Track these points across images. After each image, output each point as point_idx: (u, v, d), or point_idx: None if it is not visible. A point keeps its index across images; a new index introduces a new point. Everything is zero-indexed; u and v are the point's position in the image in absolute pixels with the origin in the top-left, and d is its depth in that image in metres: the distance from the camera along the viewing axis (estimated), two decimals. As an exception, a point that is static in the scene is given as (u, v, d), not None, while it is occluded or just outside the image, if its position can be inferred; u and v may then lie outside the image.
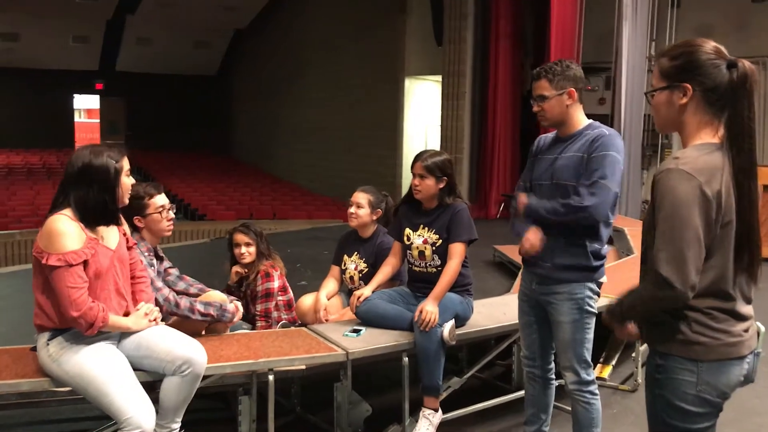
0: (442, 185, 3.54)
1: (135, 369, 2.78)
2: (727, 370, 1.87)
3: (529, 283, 3.03)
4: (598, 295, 2.96)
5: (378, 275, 3.72)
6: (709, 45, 1.89)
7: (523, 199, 2.90)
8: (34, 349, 2.87)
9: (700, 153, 1.85)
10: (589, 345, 2.95)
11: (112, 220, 2.84)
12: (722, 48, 1.90)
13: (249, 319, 4.13)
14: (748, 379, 1.93)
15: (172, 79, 22.74)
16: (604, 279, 2.98)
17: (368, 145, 15.22)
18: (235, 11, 20.11)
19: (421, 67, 13.72)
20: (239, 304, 3.49)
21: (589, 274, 2.88)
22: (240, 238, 4.10)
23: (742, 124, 1.84)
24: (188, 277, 3.65)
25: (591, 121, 2.93)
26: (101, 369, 2.67)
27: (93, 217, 2.75)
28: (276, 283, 4.08)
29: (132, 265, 3.00)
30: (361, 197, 4.00)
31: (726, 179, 1.82)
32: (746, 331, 1.90)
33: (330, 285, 4.04)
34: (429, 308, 3.31)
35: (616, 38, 9.36)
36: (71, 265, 2.63)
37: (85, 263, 2.68)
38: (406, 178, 11.21)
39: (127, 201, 2.92)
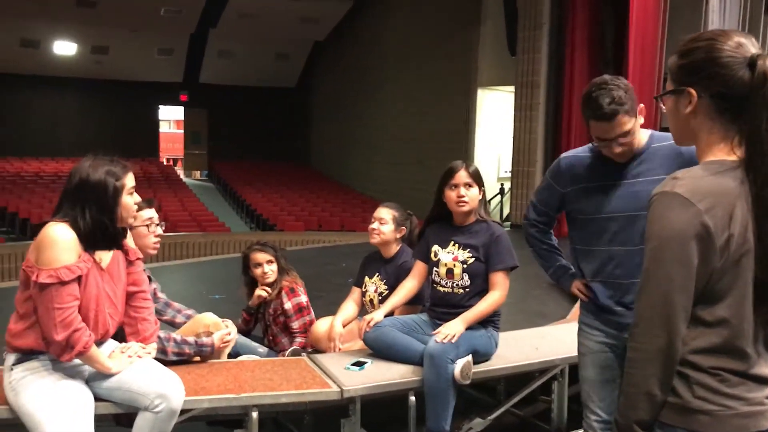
0: (480, 196, 3.24)
1: (105, 401, 2.55)
2: None
3: (614, 330, 2.50)
4: None
5: (393, 297, 3.37)
6: (731, 39, 1.45)
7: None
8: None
9: (708, 173, 1.44)
10: None
11: (113, 243, 2.60)
12: (748, 42, 1.45)
13: (268, 342, 3.88)
14: None
15: (253, 91, 23.05)
16: None
17: (440, 157, 14.82)
18: (314, 24, 20.22)
19: (494, 77, 13.35)
20: (227, 332, 3.19)
21: None
22: (260, 257, 3.84)
23: (759, 140, 1.40)
24: (176, 303, 3.38)
25: (648, 131, 2.45)
26: (54, 422, 2.36)
27: (91, 239, 2.50)
28: (304, 298, 3.82)
29: (135, 280, 2.74)
30: (385, 212, 3.68)
31: (742, 207, 1.40)
32: None
33: (348, 309, 3.69)
34: (454, 325, 2.99)
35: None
36: (63, 283, 2.37)
37: (78, 279, 2.43)
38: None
39: (131, 222, 2.69)
